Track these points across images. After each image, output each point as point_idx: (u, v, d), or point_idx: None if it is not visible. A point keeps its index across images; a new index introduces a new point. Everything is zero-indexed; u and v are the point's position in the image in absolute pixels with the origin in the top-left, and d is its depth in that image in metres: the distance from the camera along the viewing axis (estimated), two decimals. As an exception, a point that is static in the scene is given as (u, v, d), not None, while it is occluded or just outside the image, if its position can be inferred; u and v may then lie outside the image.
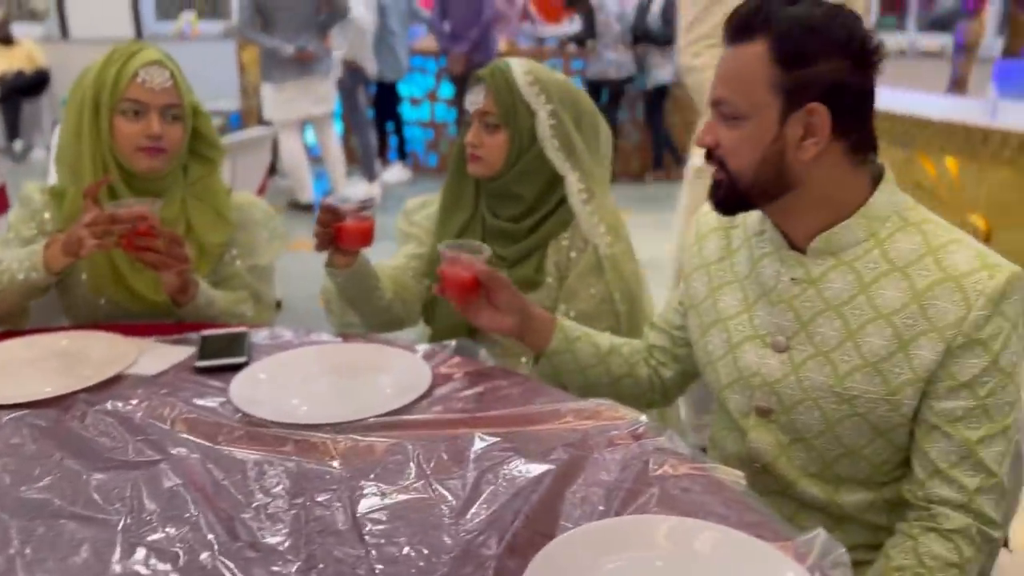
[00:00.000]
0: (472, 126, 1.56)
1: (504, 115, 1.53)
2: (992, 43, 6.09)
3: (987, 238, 3.52)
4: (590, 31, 6.34)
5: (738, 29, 1.02)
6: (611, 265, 1.57)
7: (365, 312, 1.60)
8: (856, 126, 1.03)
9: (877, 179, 1.08)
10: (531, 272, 1.58)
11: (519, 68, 1.56)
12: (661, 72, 6.26)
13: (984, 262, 1.00)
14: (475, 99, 1.56)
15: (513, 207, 1.59)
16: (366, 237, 1.45)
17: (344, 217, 1.42)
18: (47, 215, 1.58)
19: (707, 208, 1.23)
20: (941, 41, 6.71)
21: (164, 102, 1.52)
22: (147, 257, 1.43)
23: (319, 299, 1.71)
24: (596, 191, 1.59)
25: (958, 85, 5.47)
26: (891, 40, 7.33)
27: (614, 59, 6.22)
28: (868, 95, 1.03)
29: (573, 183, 1.56)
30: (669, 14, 6.15)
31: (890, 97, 4.52)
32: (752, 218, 1.17)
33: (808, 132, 1.01)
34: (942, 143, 3.76)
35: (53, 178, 2.92)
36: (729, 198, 1.08)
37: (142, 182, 1.56)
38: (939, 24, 7.12)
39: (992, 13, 6.19)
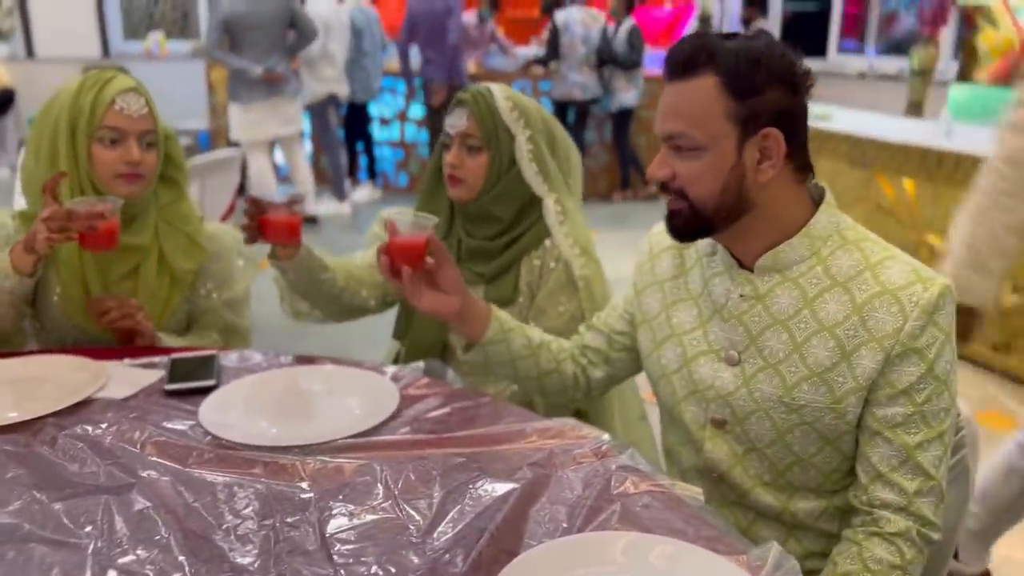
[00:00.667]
0: (452, 148, 1.59)
1: (486, 138, 1.57)
2: (947, 67, 6.26)
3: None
4: (554, 53, 6.42)
5: (683, 66, 1.07)
6: (584, 285, 1.61)
7: (315, 300, 1.63)
8: (801, 147, 1.10)
9: (818, 200, 1.14)
10: (507, 290, 1.62)
11: (500, 93, 1.60)
12: (625, 95, 6.37)
13: (918, 276, 1.06)
14: (457, 122, 1.59)
15: (490, 228, 1.62)
16: (291, 232, 1.46)
17: (267, 210, 1.44)
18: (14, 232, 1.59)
19: (660, 228, 1.28)
20: (899, 64, 6.89)
21: (141, 128, 1.54)
22: (113, 319, 1.52)
23: (284, 315, 1.73)
24: (570, 212, 1.64)
25: (913, 107, 5.62)
26: (851, 63, 7.52)
27: (579, 80, 6.31)
28: (805, 118, 1.10)
29: (550, 205, 1.61)
30: (635, 39, 6.26)
31: (851, 119, 4.63)
32: (703, 240, 1.22)
33: (764, 155, 1.07)
34: (899, 165, 3.86)
35: (20, 201, 2.90)
36: (689, 226, 1.12)
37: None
38: (897, 48, 7.31)
39: (947, 38, 6.37)
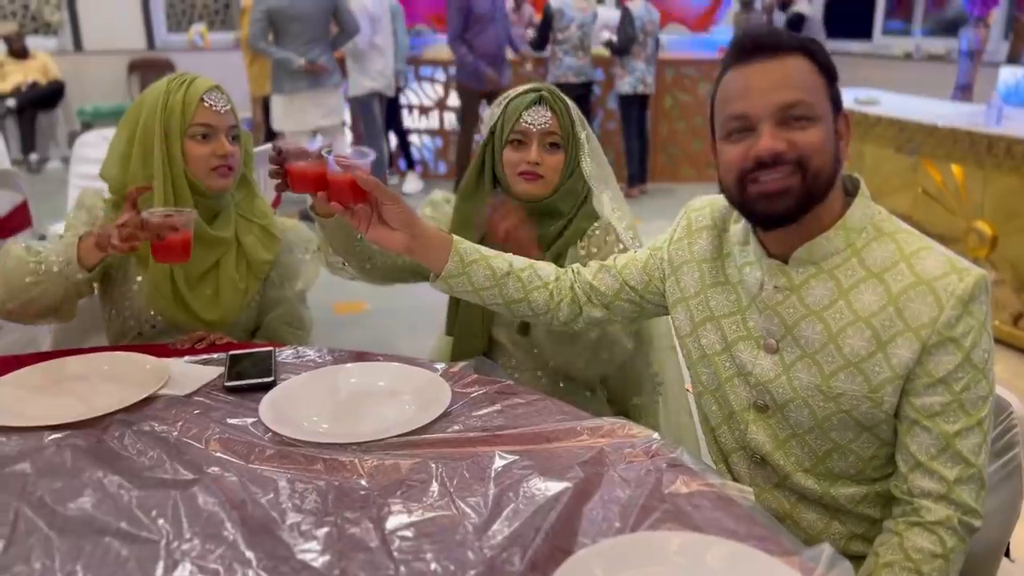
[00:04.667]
0: (531, 145, 1.58)
1: (564, 136, 1.60)
2: (997, 48, 6.10)
3: (993, 244, 3.55)
4: (544, 39, 6.29)
5: (770, 45, 1.09)
6: None
7: (348, 257, 1.62)
8: None
9: (852, 192, 1.15)
10: None
11: (562, 94, 1.63)
12: (619, 83, 6.25)
13: (953, 266, 1.07)
14: (538, 119, 1.58)
15: (554, 222, 1.64)
16: (314, 183, 1.36)
17: (288, 159, 1.39)
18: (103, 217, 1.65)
19: (699, 204, 1.30)
20: (947, 45, 6.74)
21: (229, 123, 1.64)
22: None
23: (326, 313, 1.77)
24: (621, 206, 1.65)
25: (964, 90, 5.49)
26: (898, 43, 7.37)
27: (573, 64, 6.21)
28: None
29: (606, 201, 1.62)
30: (624, 22, 6.08)
31: (897, 103, 4.55)
32: (737, 227, 1.23)
33: (840, 137, 1.11)
34: (948, 150, 3.79)
35: (74, 195, 2.99)
36: (798, 203, 1.09)
37: (210, 200, 1.66)
38: (945, 28, 7.14)
39: (998, 18, 6.20)
